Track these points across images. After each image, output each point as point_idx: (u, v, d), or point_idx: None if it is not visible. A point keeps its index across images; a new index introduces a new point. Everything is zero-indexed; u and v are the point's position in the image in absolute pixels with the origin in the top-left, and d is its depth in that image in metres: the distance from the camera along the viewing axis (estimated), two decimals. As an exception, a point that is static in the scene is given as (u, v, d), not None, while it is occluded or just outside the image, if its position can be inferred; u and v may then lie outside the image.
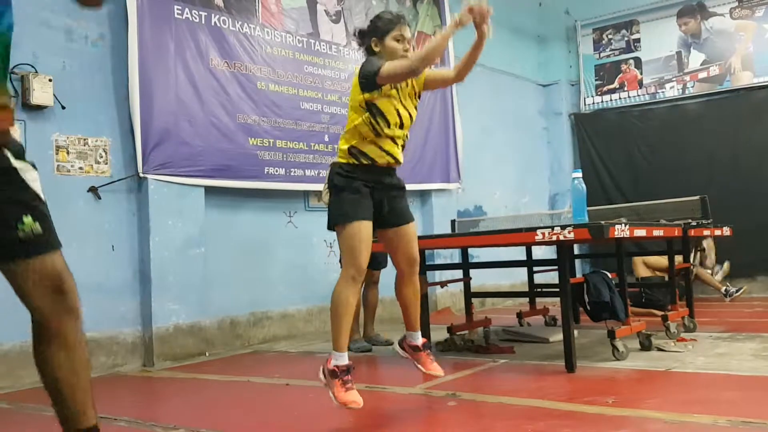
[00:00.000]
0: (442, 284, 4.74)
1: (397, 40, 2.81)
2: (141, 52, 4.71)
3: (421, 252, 4.28)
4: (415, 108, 2.93)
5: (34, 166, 1.78)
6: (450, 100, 7.39)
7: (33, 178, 1.76)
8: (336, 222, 2.77)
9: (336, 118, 5.99)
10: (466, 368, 3.83)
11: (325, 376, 2.65)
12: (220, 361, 4.72)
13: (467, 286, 4.79)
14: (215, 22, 5.24)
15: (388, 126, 2.79)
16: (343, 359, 2.63)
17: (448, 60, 7.40)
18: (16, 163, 1.71)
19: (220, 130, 5.18)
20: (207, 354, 4.96)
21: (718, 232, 5.15)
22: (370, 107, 2.76)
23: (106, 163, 4.63)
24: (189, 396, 3.65)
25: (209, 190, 5.11)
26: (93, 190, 4.54)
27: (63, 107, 4.38)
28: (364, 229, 2.73)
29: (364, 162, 2.79)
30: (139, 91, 4.67)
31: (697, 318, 4.82)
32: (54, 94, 4.30)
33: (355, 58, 6.41)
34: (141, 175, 4.68)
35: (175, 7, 4.97)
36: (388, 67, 2.69)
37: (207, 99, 5.12)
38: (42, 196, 1.77)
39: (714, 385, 3.13)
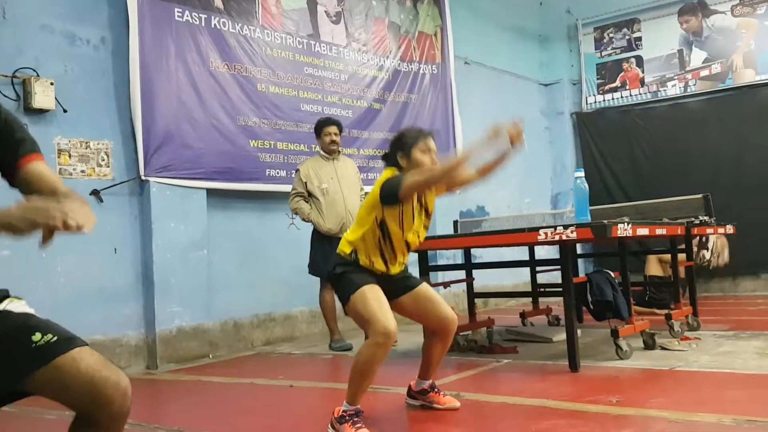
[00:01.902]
0: (445, 285, 4.74)
1: (423, 152, 2.77)
2: (142, 55, 4.72)
3: (424, 252, 4.29)
4: (426, 226, 2.90)
5: (19, 297, 1.60)
6: (450, 100, 7.39)
7: (21, 305, 1.57)
8: (345, 297, 2.68)
9: (339, 119, 5.98)
10: (470, 368, 3.83)
11: (333, 427, 2.58)
12: (223, 363, 4.73)
13: (470, 286, 4.78)
14: (215, 25, 5.25)
15: (394, 254, 2.76)
16: (352, 407, 2.59)
17: (448, 58, 7.40)
18: (4, 308, 1.53)
19: (221, 132, 5.19)
20: (210, 356, 4.96)
21: (721, 231, 5.14)
22: (383, 228, 2.72)
23: (108, 167, 4.63)
24: (193, 398, 3.66)
25: (211, 193, 5.12)
26: (95, 193, 4.54)
27: (65, 111, 4.38)
28: (376, 291, 2.63)
29: (362, 263, 2.75)
30: (140, 94, 4.68)
31: (700, 316, 4.81)
32: (56, 98, 4.31)
33: (355, 59, 6.41)
34: (143, 177, 4.69)
35: (176, 9, 4.98)
36: (410, 178, 2.62)
37: (208, 101, 5.12)
38: (36, 314, 1.56)
39: (718, 384, 3.12)
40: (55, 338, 1.46)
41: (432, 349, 2.90)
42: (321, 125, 4.99)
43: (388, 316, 2.54)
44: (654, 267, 5.95)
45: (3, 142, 1.58)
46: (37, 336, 1.45)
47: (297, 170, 4.96)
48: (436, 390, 2.96)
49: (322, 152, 4.99)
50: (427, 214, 2.89)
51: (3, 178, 1.61)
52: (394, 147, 2.84)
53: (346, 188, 4.96)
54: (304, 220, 4.88)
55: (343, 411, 2.58)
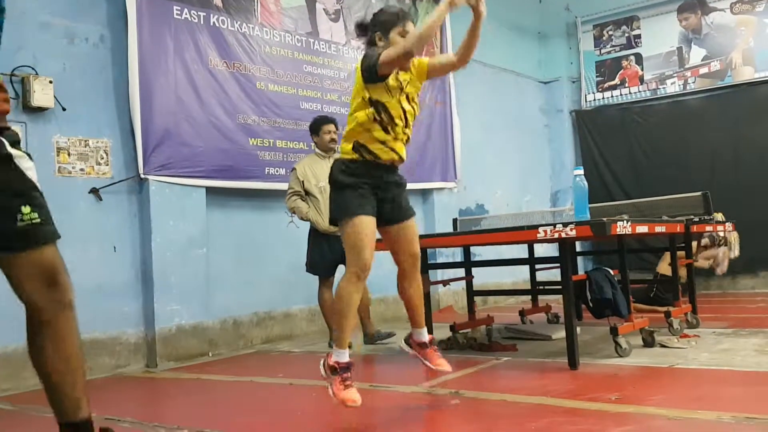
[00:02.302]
0: (445, 283, 4.74)
1: (402, 36, 2.79)
2: (141, 53, 4.71)
3: (423, 251, 4.28)
4: (418, 94, 2.92)
5: (30, 156, 1.77)
6: (449, 98, 7.38)
7: (29, 167, 1.75)
8: (339, 217, 2.75)
9: (336, 117, 5.98)
10: (469, 366, 3.83)
11: (325, 370, 2.65)
12: (223, 362, 4.73)
13: (469, 284, 4.78)
14: (214, 22, 5.24)
15: (393, 122, 2.78)
16: (343, 356, 2.64)
17: (447, 49, 7.39)
18: (12, 151, 1.70)
19: (220, 130, 5.18)
20: (210, 354, 4.96)
21: (720, 228, 5.14)
22: (375, 104, 2.75)
23: (107, 165, 4.63)
24: (192, 396, 3.66)
25: (210, 191, 5.11)
26: (94, 191, 4.54)
27: (64, 109, 4.38)
28: (368, 224, 2.71)
29: (368, 158, 2.77)
30: (139, 92, 4.67)
31: (700, 314, 4.81)
32: (54, 96, 4.30)
33: (354, 56, 6.40)
34: (142, 176, 4.68)
35: (174, 7, 4.97)
36: (386, 54, 2.67)
37: (206, 99, 5.12)
38: (38, 185, 1.77)
39: (718, 381, 3.13)
40: (39, 220, 1.73)
41: (407, 292, 2.94)
42: (319, 123, 4.97)
43: (369, 253, 2.67)
44: (666, 267, 5.92)
45: None
46: (26, 209, 1.71)
47: (293, 169, 4.94)
48: (434, 348, 3.00)
49: (318, 150, 4.98)
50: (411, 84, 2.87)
51: None
52: (373, 26, 2.85)
53: None
54: (302, 218, 4.87)
55: (335, 361, 2.61)
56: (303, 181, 4.84)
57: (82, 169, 4.50)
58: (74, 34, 4.53)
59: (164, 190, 4.79)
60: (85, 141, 4.53)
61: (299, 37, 5.93)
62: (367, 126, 2.76)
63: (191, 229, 4.95)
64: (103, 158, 4.61)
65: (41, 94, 4.19)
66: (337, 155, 5.10)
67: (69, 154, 4.44)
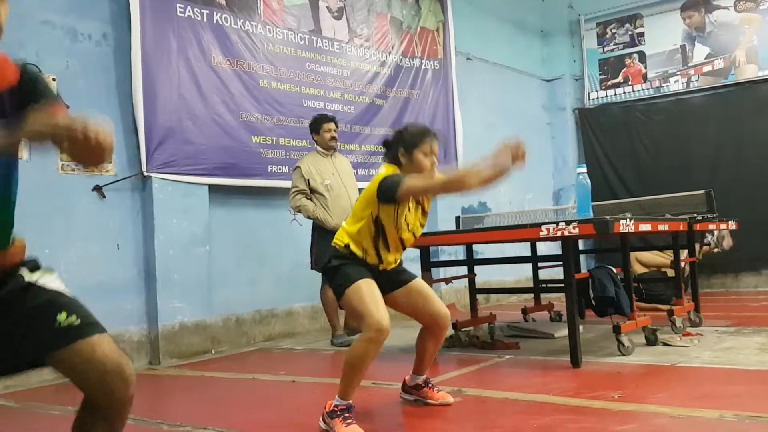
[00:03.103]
0: (447, 281, 4.73)
1: (425, 154, 2.75)
2: (144, 51, 4.71)
3: (426, 248, 4.29)
4: (422, 224, 2.89)
5: (50, 270, 1.66)
6: (452, 96, 7.38)
7: (52, 280, 1.63)
8: (341, 292, 2.68)
9: (338, 116, 5.97)
10: (471, 364, 3.83)
11: (324, 420, 2.60)
12: (225, 359, 4.74)
13: (472, 282, 4.78)
14: (217, 20, 5.24)
15: (388, 249, 2.76)
16: (344, 402, 2.60)
17: (450, 54, 7.38)
18: (31, 277, 1.60)
19: (223, 128, 5.19)
20: (213, 352, 4.97)
21: (723, 226, 5.13)
22: (378, 225, 2.72)
23: (110, 162, 4.63)
24: (195, 393, 3.66)
25: (213, 189, 5.12)
26: (97, 189, 4.55)
27: (67, 106, 4.34)
28: (370, 286, 2.64)
29: (358, 255, 2.75)
30: (142, 90, 4.68)
31: (702, 312, 4.81)
32: (57, 94, 4.30)
33: (357, 54, 6.41)
34: (145, 173, 4.69)
35: (178, 5, 4.97)
36: (409, 184, 2.60)
37: (210, 97, 5.12)
38: (66, 291, 1.63)
39: (720, 380, 3.12)
40: (79, 321, 1.57)
41: (425, 344, 2.91)
42: (319, 122, 4.98)
43: (382, 312, 2.55)
44: (637, 267, 5.95)
45: (26, 94, 1.63)
46: (62, 316, 1.55)
47: (297, 167, 4.94)
48: (430, 385, 2.97)
49: (320, 148, 4.98)
50: (424, 213, 2.88)
51: None
52: (397, 142, 2.81)
53: (347, 183, 4.96)
54: (308, 217, 4.86)
55: (335, 406, 2.59)
56: (308, 180, 4.83)
57: (85, 167, 4.50)
58: (77, 32, 4.53)
59: (167, 187, 4.80)
60: (88, 139, 4.53)
61: (302, 35, 5.93)
62: (364, 241, 2.74)
63: (194, 226, 4.95)
64: (106, 156, 4.61)
65: (44, 92, 4.19)
66: (338, 155, 5.14)
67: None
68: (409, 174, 2.69)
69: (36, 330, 1.55)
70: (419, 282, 2.89)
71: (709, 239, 6.01)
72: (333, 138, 4.95)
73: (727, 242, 6.05)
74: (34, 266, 1.64)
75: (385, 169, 2.78)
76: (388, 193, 2.64)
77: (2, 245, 1.56)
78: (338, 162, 5.04)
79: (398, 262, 2.89)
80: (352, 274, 2.67)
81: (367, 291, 2.61)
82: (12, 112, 1.57)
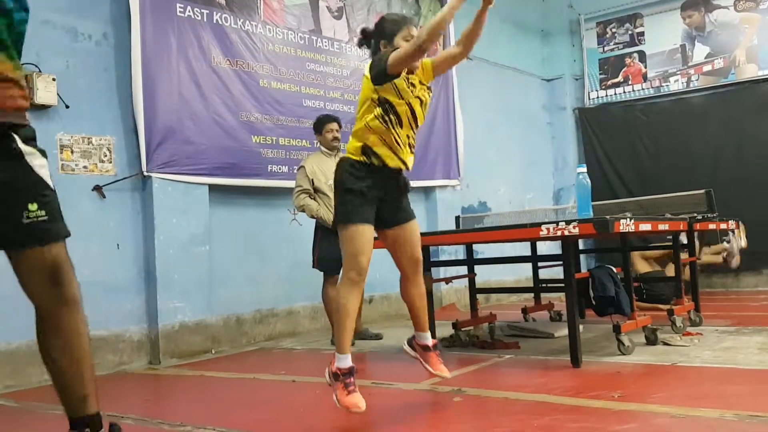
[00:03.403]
0: (447, 280, 4.74)
1: (407, 39, 2.76)
2: (144, 51, 4.72)
3: (426, 248, 4.29)
4: (429, 96, 2.91)
5: (43, 153, 1.79)
6: (452, 96, 7.38)
7: (40, 164, 1.77)
8: (340, 221, 2.76)
9: (338, 115, 5.98)
10: (472, 364, 3.83)
11: (329, 377, 2.67)
12: (226, 359, 4.74)
13: (472, 282, 4.78)
14: (217, 20, 5.24)
15: (401, 123, 2.77)
16: (344, 361, 2.63)
17: (450, 43, 7.37)
18: (23, 148, 1.73)
19: (223, 128, 5.19)
20: (213, 351, 4.97)
21: (723, 226, 5.13)
22: (383, 103, 2.74)
23: (111, 162, 4.64)
24: (196, 393, 3.66)
25: (213, 188, 5.12)
26: (97, 189, 4.55)
27: (67, 106, 4.39)
28: (365, 232, 2.72)
29: (375, 163, 2.76)
30: (142, 90, 4.68)
31: (702, 312, 4.81)
32: (58, 94, 4.31)
33: (357, 54, 6.40)
34: (145, 173, 4.69)
35: (178, 5, 4.97)
36: (396, 52, 2.66)
37: (210, 97, 5.12)
38: (50, 183, 1.78)
39: (720, 379, 3.12)
40: (46, 218, 1.75)
41: (409, 295, 2.95)
42: (322, 122, 4.98)
43: (365, 259, 2.67)
44: (641, 266, 5.96)
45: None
46: (33, 206, 1.73)
47: (301, 167, 4.93)
48: (437, 353, 2.99)
49: (323, 148, 4.98)
50: (427, 89, 2.88)
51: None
52: (376, 34, 2.83)
53: None
54: (312, 217, 4.86)
55: (337, 367, 2.62)
56: (312, 179, 4.83)
57: (85, 167, 4.51)
58: (77, 32, 4.54)
59: (167, 187, 4.80)
60: (89, 138, 4.54)
61: (302, 35, 5.93)
62: (376, 126, 2.75)
63: (194, 226, 4.96)
64: (106, 156, 4.62)
65: (44, 92, 4.19)
66: (342, 153, 5.12)
67: (72, 152, 4.45)
68: (393, 52, 2.69)
69: (6, 213, 1.70)
70: (414, 226, 2.92)
71: (725, 255, 5.99)
72: (336, 138, 4.96)
73: (736, 262, 6.04)
74: (30, 137, 1.77)
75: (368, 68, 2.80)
76: (379, 71, 2.69)
77: None
78: None
79: (411, 155, 2.86)
80: (356, 213, 2.71)
81: (360, 237, 2.69)
82: None
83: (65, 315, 1.81)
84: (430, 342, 2.98)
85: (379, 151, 2.76)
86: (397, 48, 2.72)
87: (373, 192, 2.76)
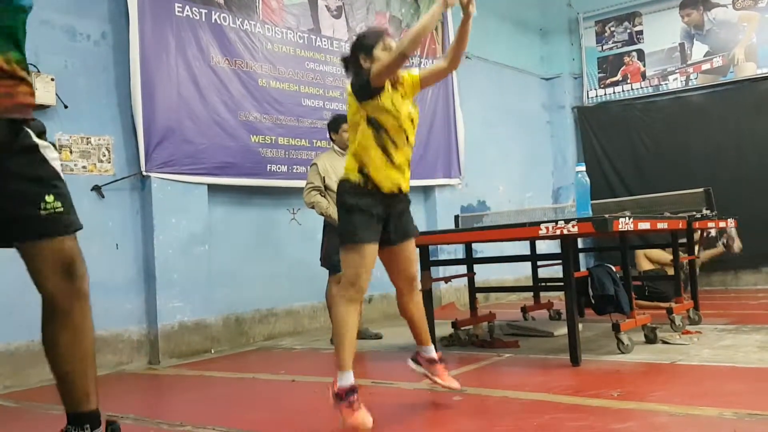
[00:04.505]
0: (446, 279, 4.74)
1: (385, 50, 2.75)
2: (142, 50, 4.71)
3: (425, 247, 4.29)
4: (417, 112, 2.90)
5: (54, 146, 1.82)
6: (451, 95, 7.38)
7: (54, 157, 1.79)
8: (345, 240, 2.72)
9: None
10: (471, 363, 3.84)
11: (334, 399, 2.61)
12: (225, 358, 4.74)
13: (471, 281, 4.78)
14: (216, 19, 5.24)
15: (395, 144, 2.74)
16: (346, 379, 2.59)
17: (448, 44, 7.37)
18: (38, 141, 1.76)
19: (222, 127, 5.19)
20: (212, 351, 4.97)
21: (722, 224, 5.13)
22: (372, 122, 2.72)
23: (109, 162, 4.64)
24: (195, 393, 3.66)
25: (212, 188, 5.12)
26: (96, 189, 4.55)
27: (65, 106, 4.38)
28: (369, 252, 2.70)
29: (370, 188, 2.74)
30: (141, 89, 4.68)
31: (702, 310, 4.81)
32: (56, 94, 4.31)
33: (356, 53, 6.40)
34: (144, 173, 4.69)
35: (176, 4, 4.97)
36: (377, 64, 2.66)
37: (208, 96, 5.12)
38: (62, 175, 1.81)
39: (720, 378, 3.13)
40: (62, 209, 1.77)
41: (407, 311, 2.94)
42: (339, 121, 4.97)
43: (366, 279, 2.67)
44: (645, 264, 5.97)
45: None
46: (50, 198, 1.74)
47: (314, 164, 4.91)
48: (444, 366, 2.97)
49: (336, 148, 4.98)
50: (412, 105, 2.86)
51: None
52: (356, 51, 2.83)
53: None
54: (321, 214, 4.85)
55: (339, 387, 2.59)
56: (324, 177, 4.83)
57: (84, 167, 4.50)
58: (76, 31, 4.53)
59: (166, 187, 4.80)
60: (87, 138, 4.54)
61: (301, 34, 5.93)
62: (368, 146, 2.72)
63: (193, 226, 4.95)
64: (105, 155, 4.62)
65: (43, 92, 4.19)
66: None
67: (71, 152, 4.45)
68: (374, 65, 2.69)
69: (23, 203, 1.72)
70: (411, 245, 2.91)
71: (720, 243, 6.01)
72: None
73: (737, 245, 6.05)
74: (40, 131, 1.79)
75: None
76: (361, 87, 2.69)
77: None
78: None
79: (407, 175, 2.84)
80: (360, 232, 2.69)
81: (363, 258, 2.67)
82: None
83: (77, 309, 1.84)
84: (435, 355, 2.96)
85: (374, 174, 2.72)
86: (376, 58, 2.72)
87: (376, 209, 2.73)
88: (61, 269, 1.80)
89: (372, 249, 2.71)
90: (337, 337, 2.66)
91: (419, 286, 2.95)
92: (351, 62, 2.86)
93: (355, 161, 2.76)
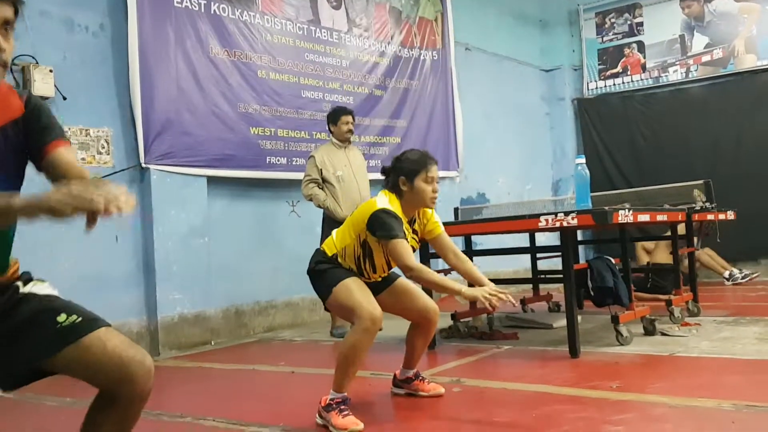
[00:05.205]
0: (446, 272, 4.73)
1: (426, 181, 2.73)
2: (141, 42, 4.69)
3: (424, 242, 4.29)
4: (417, 244, 2.88)
5: (42, 280, 1.66)
6: (451, 87, 7.36)
7: (44, 287, 1.63)
8: (327, 291, 2.67)
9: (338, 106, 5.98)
10: (470, 355, 3.85)
11: (320, 415, 2.59)
12: (225, 350, 4.75)
13: (471, 273, 4.77)
14: (215, 10, 5.22)
15: (374, 271, 2.77)
16: (339, 395, 2.58)
17: (449, 44, 7.36)
18: (25, 290, 1.60)
19: (222, 119, 5.17)
20: (212, 343, 4.98)
21: (722, 216, 5.13)
22: (364, 246, 2.73)
23: (108, 154, 4.63)
24: (195, 385, 3.67)
25: (212, 180, 5.11)
26: (96, 181, 4.53)
27: (64, 98, 4.37)
28: (358, 281, 2.67)
29: (344, 267, 2.76)
30: (139, 81, 4.66)
31: (700, 302, 4.82)
32: (55, 85, 4.29)
33: (356, 44, 6.38)
34: (143, 165, 4.68)
35: (175, -5, 4.94)
36: (396, 249, 2.59)
37: (208, 88, 5.10)
38: (59, 296, 1.63)
39: (718, 369, 3.14)
40: (80, 319, 1.52)
41: (414, 339, 2.92)
42: (338, 114, 4.97)
43: (373, 303, 2.56)
44: (644, 257, 5.97)
45: (30, 127, 1.64)
46: (62, 317, 1.51)
47: (311, 157, 4.92)
48: (420, 378, 2.98)
49: (335, 140, 4.97)
50: (416, 235, 2.87)
51: (31, 162, 1.66)
52: (396, 170, 2.78)
53: (359, 175, 4.96)
54: (318, 206, 4.85)
55: (330, 399, 2.57)
56: (321, 169, 4.83)
57: (83, 159, 4.49)
58: (74, 23, 4.51)
59: (165, 179, 4.79)
60: (86, 130, 4.52)
61: (301, 25, 5.90)
62: (349, 261, 2.74)
63: (193, 218, 4.95)
64: (104, 147, 4.61)
65: (41, 84, 4.18)
66: (353, 147, 5.13)
67: (70, 144, 4.43)
68: (401, 242, 2.61)
69: (36, 335, 1.51)
70: (402, 281, 2.89)
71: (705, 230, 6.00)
72: (350, 131, 4.97)
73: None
74: (27, 279, 1.63)
75: (386, 197, 2.74)
76: (380, 236, 2.64)
77: (1, 270, 1.56)
78: (352, 154, 5.05)
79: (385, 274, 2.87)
80: (338, 275, 2.68)
81: (354, 286, 2.62)
82: (15, 146, 1.61)
83: (134, 409, 1.57)
84: (412, 373, 2.97)
85: (347, 266, 2.75)
86: (416, 188, 2.70)
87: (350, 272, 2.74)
88: (112, 370, 1.50)
89: (357, 280, 2.67)
90: (344, 362, 2.56)
91: (437, 319, 2.86)
92: (390, 180, 2.79)
93: (335, 249, 2.77)
